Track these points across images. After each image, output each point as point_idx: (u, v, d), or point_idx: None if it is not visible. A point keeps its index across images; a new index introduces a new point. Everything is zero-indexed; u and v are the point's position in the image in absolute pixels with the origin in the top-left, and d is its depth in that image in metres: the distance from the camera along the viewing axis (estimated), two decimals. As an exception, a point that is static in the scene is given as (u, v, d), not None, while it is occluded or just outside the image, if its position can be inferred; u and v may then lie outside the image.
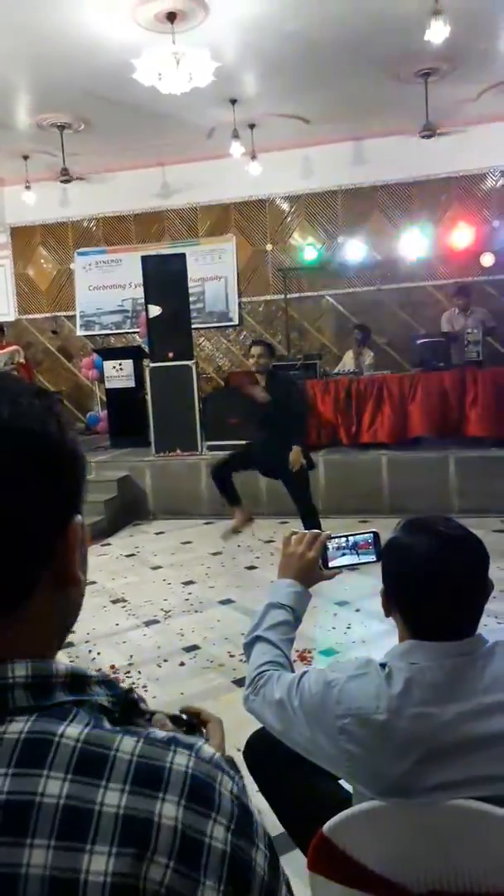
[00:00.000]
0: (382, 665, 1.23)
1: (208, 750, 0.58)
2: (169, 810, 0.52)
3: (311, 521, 4.71)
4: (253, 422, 4.84)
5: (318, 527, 4.52)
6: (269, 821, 1.80)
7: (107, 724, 0.56)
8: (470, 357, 6.57)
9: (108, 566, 5.24)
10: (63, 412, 0.61)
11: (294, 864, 1.99)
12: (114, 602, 4.44)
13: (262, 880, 0.56)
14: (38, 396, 0.59)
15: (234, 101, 6.82)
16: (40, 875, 0.49)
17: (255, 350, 4.79)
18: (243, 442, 5.14)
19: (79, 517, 0.62)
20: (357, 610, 3.99)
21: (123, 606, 4.36)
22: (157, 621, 4.11)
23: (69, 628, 0.66)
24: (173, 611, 4.25)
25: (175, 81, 5.42)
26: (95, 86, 6.23)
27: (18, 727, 0.53)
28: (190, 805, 0.53)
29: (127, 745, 0.54)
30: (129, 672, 3.41)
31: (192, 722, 0.87)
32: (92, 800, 0.51)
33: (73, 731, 0.53)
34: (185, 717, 0.86)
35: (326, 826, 1.17)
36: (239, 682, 3.15)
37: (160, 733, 0.57)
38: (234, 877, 0.53)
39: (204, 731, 0.88)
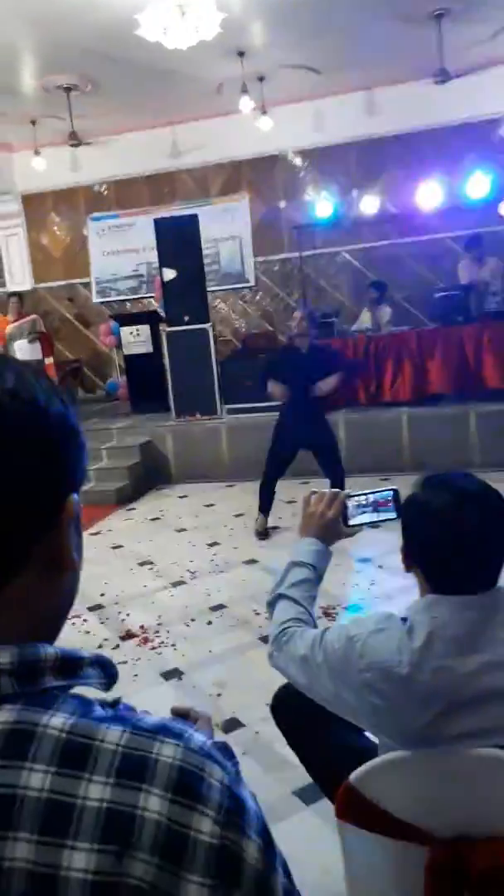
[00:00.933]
0: (404, 619, 1.25)
1: (198, 738, 0.55)
2: (153, 804, 0.50)
3: (340, 484, 4.68)
4: (287, 381, 4.63)
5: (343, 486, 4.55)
6: (301, 772, 1.86)
7: (98, 710, 0.55)
8: (490, 308, 6.46)
9: (133, 530, 5.32)
10: (66, 390, 0.60)
11: (323, 813, 2.07)
12: (141, 564, 4.52)
13: (254, 871, 0.53)
14: (39, 375, 0.58)
15: (241, 54, 6.63)
16: (22, 869, 0.48)
17: (298, 314, 4.79)
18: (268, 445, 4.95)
19: (75, 496, 0.59)
20: (380, 566, 4.03)
21: (151, 568, 4.44)
22: (183, 582, 4.18)
23: (63, 615, 0.63)
24: (199, 571, 4.32)
25: (180, 35, 5.30)
26: (99, 44, 6.08)
27: (2, 717, 0.52)
28: (176, 798, 0.51)
29: (112, 735, 0.52)
30: (157, 632, 3.49)
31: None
32: (74, 793, 0.50)
33: (57, 720, 0.52)
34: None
35: (353, 776, 1.20)
36: (264, 639, 3.19)
37: (150, 720, 0.55)
38: (222, 870, 0.51)
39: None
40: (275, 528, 5.00)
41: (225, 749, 0.58)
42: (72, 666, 0.57)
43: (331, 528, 1.53)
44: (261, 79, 7.23)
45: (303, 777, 2.09)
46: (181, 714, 0.83)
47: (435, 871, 1.13)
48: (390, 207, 8.17)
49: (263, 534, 4.85)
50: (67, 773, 0.50)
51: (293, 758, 1.88)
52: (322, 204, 8.15)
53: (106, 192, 9.45)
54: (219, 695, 2.80)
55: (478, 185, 7.42)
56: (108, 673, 0.60)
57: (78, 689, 0.57)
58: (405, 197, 7.95)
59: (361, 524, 1.53)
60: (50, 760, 0.50)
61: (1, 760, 0.50)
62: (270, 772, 2.30)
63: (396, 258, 8.42)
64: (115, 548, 4.93)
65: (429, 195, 7.40)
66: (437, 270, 8.21)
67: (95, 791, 0.50)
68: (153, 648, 3.34)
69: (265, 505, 4.85)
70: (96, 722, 0.53)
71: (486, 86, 7.42)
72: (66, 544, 0.59)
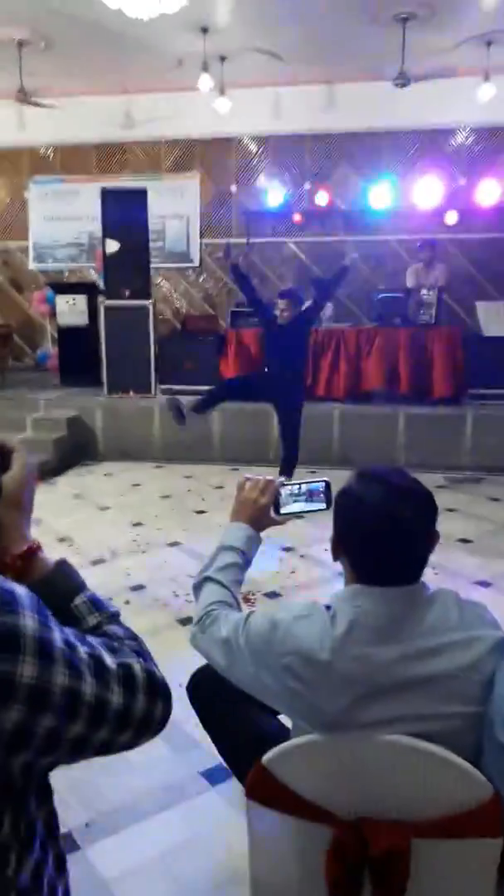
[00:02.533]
0: (327, 607, 1.27)
1: None
2: None
3: (291, 463, 4.88)
4: (268, 350, 4.99)
5: (292, 473, 4.76)
6: (209, 752, 1.87)
7: None
8: (423, 320, 6.64)
9: (54, 505, 5.20)
10: None
11: (228, 795, 2.09)
12: (60, 541, 4.43)
13: (32, 638, 0.68)
14: None
15: (205, 30, 6.51)
16: None
17: (282, 303, 4.81)
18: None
19: None
20: (301, 556, 4.09)
21: (70, 545, 4.35)
22: (103, 560, 4.12)
23: None
24: (120, 551, 4.27)
25: (142, 4, 5.14)
26: (58, 1, 5.86)
27: None
28: None
29: None
30: (73, 609, 3.43)
31: None
32: None
33: None
34: None
35: (266, 757, 1.22)
36: (184, 622, 3.21)
37: None
38: (4, 645, 0.66)
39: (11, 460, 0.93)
40: (201, 511, 5.00)
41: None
42: None
43: (262, 515, 1.55)
44: (222, 58, 7.13)
45: (210, 758, 2.12)
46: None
47: (337, 850, 1.16)
48: (340, 204, 8.25)
49: (180, 414, 4.88)
50: None
51: (202, 739, 1.89)
52: (273, 192, 8.14)
53: (52, 156, 9.13)
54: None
55: (427, 192, 7.59)
56: None
57: None
58: (355, 195, 8.05)
59: (292, 513, 1.55)
60: None
61: None
62: (179, 752, 2.30)
63: (342, 255, 8.50)
64: (33, 522, 4.80)
65: (379, 196, 7.51)
66: (379, 271, 8.36)
67: None
68: (68, 624, 3.28)
69: (206, 405, 4.88)
70: None
71: (444, 95, 7.56)
72: None
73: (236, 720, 1.61)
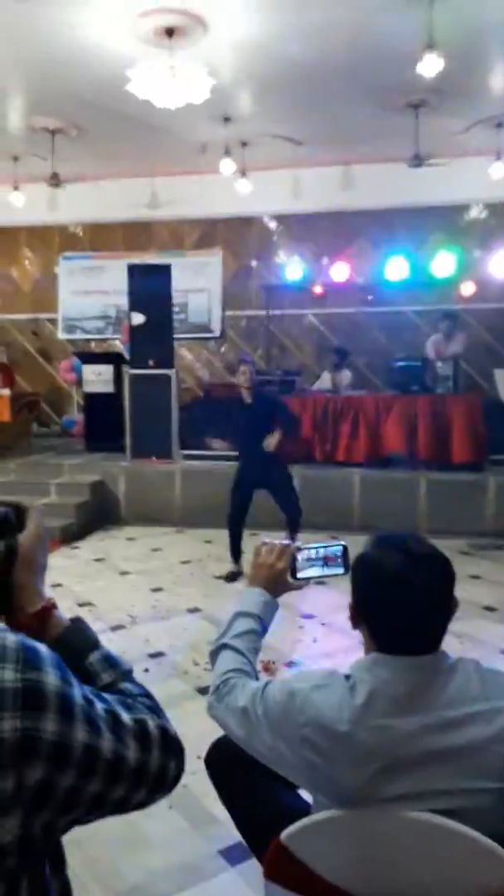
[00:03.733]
0: (347, 677, 1.25)
1: None
2: None
3: (296, 521, 4.99)
4: (238, 431, 5.06)
5: (298, 529, 4.94)
6: (229, 830, 1.81)
7: None
8: (441, 392, 6.70)
9: (76, 570, 5.21)
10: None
11: (248, 875, 2.01)
12: (80, 605, 4.42)
13: (55, 693, 0.70)
14: None
15: (227, 119, 6.90)
16: None
17: (243, 367, 5.04)
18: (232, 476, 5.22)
19: None
20: (323, 623, 4.03)
21: (90, 610, 4.34)
22: (123, 626, 4.09)
23: None
24: (140, 617, 4.24)
25: (170, 96, 5.47)
26: (90, 94, 6.26)
27: None
28: None
29: None
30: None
31: (7, 516, 0.91)
32: None
33: None
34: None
35: (284, 834, 1.18)
36: (202, 690, 3.16)
37: None
38: (27, 702, 0.68)
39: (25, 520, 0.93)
40: (221, 577, 4.97)
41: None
42: None
43: (279, 580, 1.54)
44: (244, 144, 7.52)
45: (229, 835, 2.05)
46: (10, 505, 0.93)
47: (360, 936, 1.12)
48: (357, 277, 8.47)
49: (229, 577, 4.96)
50: None
51: (221, 814, 1.84)
52: (292, 267, 8.41)
53: (81, 234, 9.56)
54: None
55: (443, 265, 7.78)
56: None
57: None
58: (372, 269, 8.28)
59: (309, 578, 1.55)
60: None
61: None
62: (197, 828, 2.23)
63: (359, 325, 8.70)
64: (54, 586, 4.80)
65: (395, 269, 7.72)
66: (396, 341, 8.50)
67: None
68: (86, 694, 3.23)
69: (234, 549, 5.03)
70: None
71: (457, 174, 7.86)
72: None
73: (255, 794, 1.57)
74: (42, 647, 0.73)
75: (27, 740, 0.67)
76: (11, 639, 0.72)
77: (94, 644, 0.91)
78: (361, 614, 1.31)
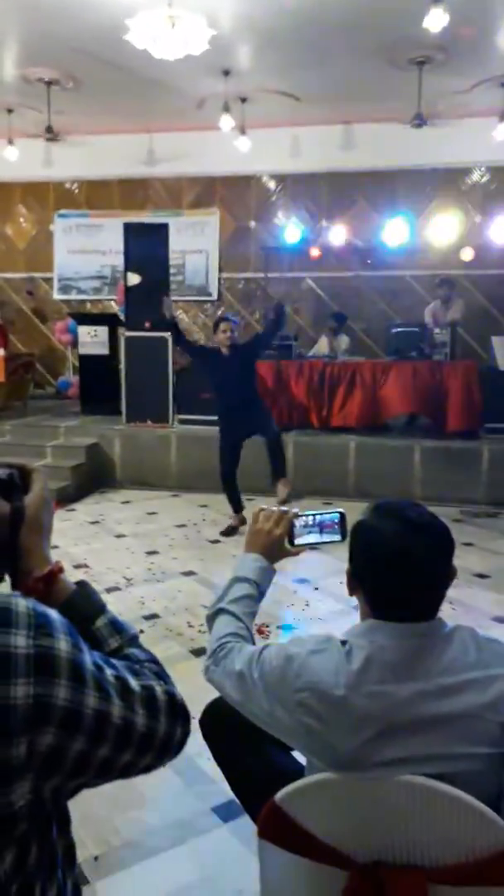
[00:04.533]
0: (343, 642, 1.26)
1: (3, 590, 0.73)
2: None
3: (282, 462, 5.12)
4: (220, 385, 5.11)
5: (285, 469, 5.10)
6: (221, 788, 1.84)
7: None
8: (438, 359, 6.67)
9: (71, 532, 5.23)
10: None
11: (240, 832, 2.06)
12: (76, 567, 4.44)
13: (67, 660, 0.70)
14: None
15: (227, 73, 6.71)
16: None
17: (224, 325, 5.07)
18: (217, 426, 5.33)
19: None
20: (316, 588, 4.06)
21: (85, 572, 4.36)
22: (118, 588, 4.12)
23: None
24: (135, 579, 4.27)
25: (169, 46, 5.32)
26: (87, 43, 6.07)
27: None
28: None
29: None
30: (87, 639, 3.42)
31: (12, 477, 0.90)
32: None
33: None
34: (4, 475, 0.89)
35: (279, 795, 1.20)
36: (197, 652, 3.19)
37: None
38: (40, 668, 0.68)
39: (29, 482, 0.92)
40: (216, 541, 5.00)
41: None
42: None
43: (276, 546, 1.54)
44: (243, 100, 7.33)
45: (222, 793, 2.09)
46: (15, 466, 0.92)
47: (352, 895, 1.14)
48: (356, 240, 8.35)
49: (229, 531, 5.12)
50: None
51: (214, 773, 1.87)
52: (291, 229, 8.27)
53: (77, 191, 9.37)
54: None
55: (443, 229, 7.67)
56: None
57: None
58: (372, 232, 8.16)
59: (306, 544, 1.55)
60: None
61: None
62: (190, 786, 2.28)
63: (358, 290, 8.60)
64: (50, 548, 4.82)
65: (395, 233, 7.60)
66: (395, 306, 8.43)
67: None
68: (81, 654, 3.27)
69: (233, 502, 5.17)
70: None
71: (460, 135, 7.71)
72: None
73: (249, 756, 1.59)
74: (53, 613, 0.73)
75: (40, 706, 0.67)
76: (23, 604, 0.71)
77: (101, 609, 0.90)
78: (358, 580, 1.31)
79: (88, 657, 0.73)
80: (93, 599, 0.90)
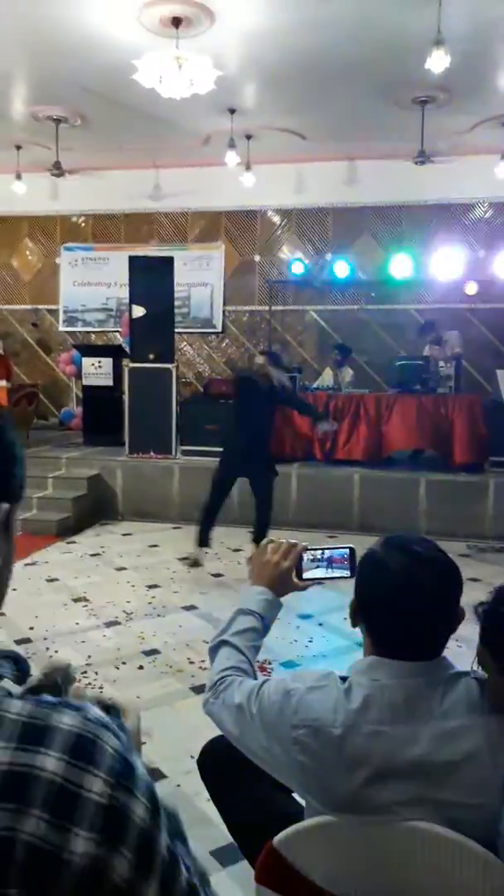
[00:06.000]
0: (343, 679, 1.22)
1: (97, 712, 0.59)
2: (49, 764, 0.54)
3: (266, 525, 4.88)
4: (246, 412, 4.97)
5: (267, 532, 4.81)
6: (220, 831, 1.78)
7: (9, 690, 0.59)
8: (442, 392, 6.67)
9: (71, 564, 5.18)
10: (21, 413, 0.66)
11: (239, 877, 1.98)
12: (75, 601, 4.38)
13: (139, 829, 0.57)
14: None
15: (232, 111, 6.85)
16: None
17: (261, 358, 5.10)
18: (217, 461, 5.20)
19: (5, 505, 0.66)
20: (320, 624, 3.99)
21: (85, 606, 4.30)
22: (118, 623, 4.06)
23: None
24: (135, 613, 4.20)
25: (175, 86, 5.43)
26: (95, 83, 6.22)
27: None
28: (71, 760, 0.55)
29: (16, 706, 0.56)
30: (85, 672, 3.36)
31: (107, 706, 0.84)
32: None
33: None
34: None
35: (276, 839, 1.15)
36: (197, 689, 3.13)
37: (52, 698, 0.59)
38: (108, 826, 0.55)
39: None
40: (218, 575, 4.94)
41: (121, 725, 0.62)
42: None
43: (283, 580, 1.50)
44: (248, 136, 7.47)
45: (221, 836, 2.02)
46: (108, 705, 0.84)
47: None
48: (360, 274, 8.44)
49: (195, 564, 4.98)
50: None
51: (213, 815, 1.81)
52: (296, 263, 8.37)
53: (83, 225, 9.51)
54: (143, 743, 2.69)
55: (446, 263, 7.74)
56: (20, 668, 0.65)
57: None
58: (375, 266, 8.24)
59: (314, 579, 1.51)
60: None
61: None
62: (189, 828, 2.18)
63: (362, 323, 8.66)
64: (49, 581, 4.78)
65: (399, 267, 7.67)
66: (399, 339, 8.47)
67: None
68: (79, 689, 3.20)
69: (203, 534, 5.00)
70: (4, 697, 0.58)
71: (462, 172, 7.83)
72: None
73: (247, 797, 1.54)
74: (140, 765, 0.60)
75: (95, 872, 0.54)
76: (112, 742, 0.58)
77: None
78: (362, 612, 1.27)
79: (164, 839, 0.60)
80: None
